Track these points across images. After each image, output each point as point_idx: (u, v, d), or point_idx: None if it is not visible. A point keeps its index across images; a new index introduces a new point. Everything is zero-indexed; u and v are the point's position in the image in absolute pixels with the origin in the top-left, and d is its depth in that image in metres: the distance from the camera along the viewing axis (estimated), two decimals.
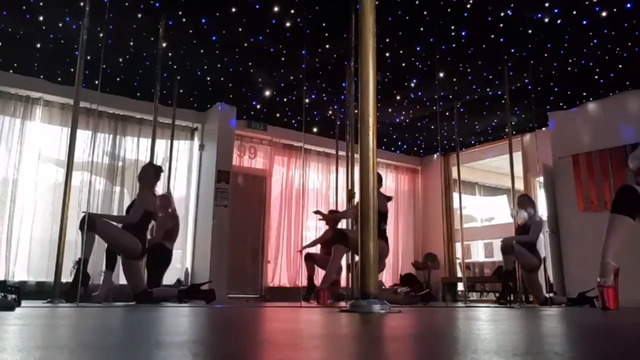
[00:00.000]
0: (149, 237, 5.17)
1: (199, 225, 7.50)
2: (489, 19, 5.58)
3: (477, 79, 6.92)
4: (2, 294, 3.00)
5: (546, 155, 7.56)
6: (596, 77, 6.70)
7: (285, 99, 7.48)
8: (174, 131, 6.83)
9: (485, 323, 2.34)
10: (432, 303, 7.72)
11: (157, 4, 5.25)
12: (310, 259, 6.73)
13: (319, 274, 6.66)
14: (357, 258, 5.05)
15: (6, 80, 6.37)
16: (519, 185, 8.05)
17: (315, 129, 8.36)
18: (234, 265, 7.35)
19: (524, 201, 6.29)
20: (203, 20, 5.57)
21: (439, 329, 1.97)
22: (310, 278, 6.72)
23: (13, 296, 3.05)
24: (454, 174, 9.02)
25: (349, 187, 5.94)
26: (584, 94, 7.30)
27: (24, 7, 5.20)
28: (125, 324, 2.15)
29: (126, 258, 4.77)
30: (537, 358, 0.99)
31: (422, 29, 5.77)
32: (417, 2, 5.32)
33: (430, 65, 6.47)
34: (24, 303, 3.35)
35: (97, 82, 4.95)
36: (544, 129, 7.91)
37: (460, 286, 8.50)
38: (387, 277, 9.36)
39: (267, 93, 7.26)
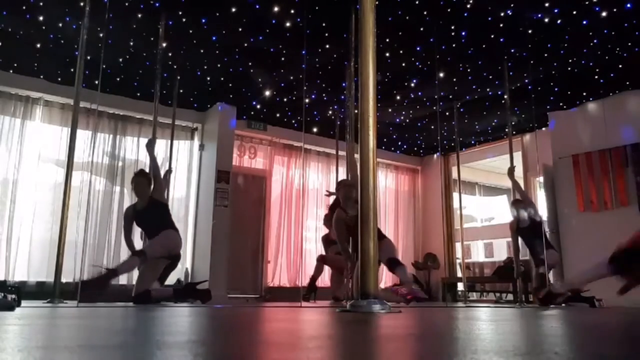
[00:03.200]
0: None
1: (199, 225, 7.50)
2: (489, 19, 5.58)
3: (477, 79, 6.92)
4: (2, 294, 3.00)
5: (546, 155, 7.55)
6: (596, 77, 6.70)
7: (285, 99, 7.47)
8: (174, 131, 6.82)
9: (485, 323, 2.34)
10: (432, 303, 7.71)
11: (157, 4, 5.25)
12: (322, 260, 6.70)
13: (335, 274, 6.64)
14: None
15: (6, 80, 6.36)
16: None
17: (315, 129, 8.35)
18: (234, 265, 7.34)
19: (519, 205, 6.24)
20: (203, 20, 5.56)
21: (439, 329, 1.97)
22: (313, 279, 6.71)
23: (13, 296, 3.05)
24: (454, 174, 9.01)
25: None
26: (584, 94, 7.29)
27: (24, 7, 5.19)
28: (126, 324, 2.15)
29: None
30: (537, 358, 0.99)
31: (422, 29, 5.77)
32: (417, 2, 5.31)
33: (430, 65, 6.46)
34: (24, 303, 3.35)
35: (97, 82, 4.95)
36: (544, 129, 7.90)
37: (460, 286, 8.50)
38: (387, 277, 9.35)
39: (267, 93, 7.25)
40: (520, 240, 6.54)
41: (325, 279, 8.32)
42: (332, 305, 5.33)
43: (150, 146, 5.33)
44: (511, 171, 6.36)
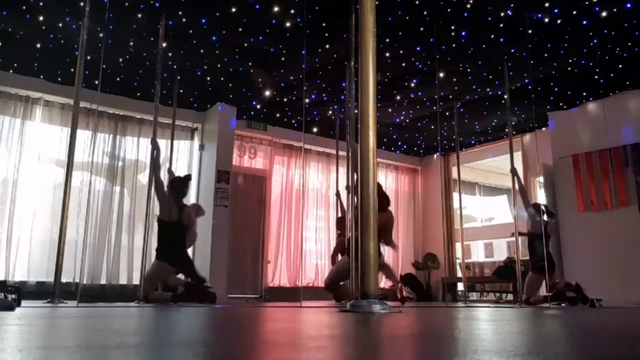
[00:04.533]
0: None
1: (199, 225, 7.47)
2: (489, 19, 5.57)
3: (477, 79, 6.91)
4: (2, 294, 3.01)
5: (546, 155, 7.55)
6: (596, 77, 6.70)
7: (285, 99, 7.47)
8: (174, 131, 6.81)
9: (485, 323, 2.34)
10: (432, 303, 7.71)
11: (157, 4, 5.25)
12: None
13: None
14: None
15: (6, 80, 6.36)
16: None
17: (315, 129, 8.35)
18: (234, 265, 7.34)
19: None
20: (203, 20, 5.56)
21: (439, 329, 1.97)
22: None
23: (13, 296, 3.06)
24: (454, 174, 9.00)
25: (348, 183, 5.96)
26: (584, 94, 7.29)
27: (24, 7, 5.19)
28: (126, 324, 2.15)
29: None
30: (537, 358, 0.99)
31: (422, 29, 5.77)
32: (417, 2, 5.31)
33: (430, 65, 6.46)
34: (24, 303, 3.35)
35: (97, 82, 4.95)
36: (544, 129, 7.90)
37: (460, 286, 8.50)
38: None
39: (267, 93, 7.25)
40: (520, 239, 6.63)
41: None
42: (332, 305, 5.33)
43: (154, 142, 5.38)
44: (514, 172, 6.42)
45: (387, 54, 6.17)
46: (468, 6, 5.35)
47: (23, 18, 5.35)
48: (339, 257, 6.78)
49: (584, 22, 5.55)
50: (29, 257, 6.27)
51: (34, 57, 6.09)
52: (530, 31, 5.70)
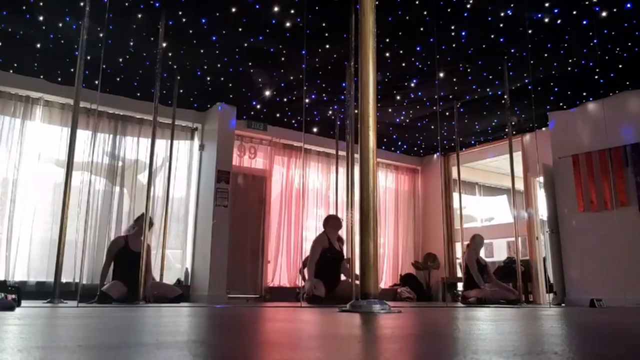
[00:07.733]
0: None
1: (199, 225, 7.50)
2: (489, 19, 5.57)
3: (477, 79, 6.91)
4: (2, 294, 3.01)
5: (546, 155, 7.55)
6: (596, 77, 6.70)
7: (285, 99, 7.47)
8: (174, 131, 6.81)
9: (485, 323, 2.34)
10: (432, 303, 7.70)
11: (157, 4, 5.25)
12: None
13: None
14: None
15: (6, 80, 6.36)
16: (519, 185, 8.05)
17: (315, 129, 8.35)
18: (234, 265, 7.34)
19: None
20: (203, 20, 5.56)
21: (439, 329, 1.97)
22: None
23: (13, 296, 3.06)
24: (454, 174, 9.01)
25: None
26: (584, 94, 7.29)
27: (24, 7, 5.19)
28: (126, 324, 2.15)
29: None
30: (537, 358, 0.99)
31: (422, 29, 5.77)
32: (417, 2, 5.31)
33: (430, 65, 6.46)
34: (24, 303, 3.35)
35: (97, 82, 4.95)
36: (544, 129, 7.90)
37: (460, 286, 8.50)
38: (387, 277, 9.36)
39: (267, 93, 7.25)
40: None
41: None
42: (332, 305, 5.33)
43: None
44: None
45: (387, 54, 6.17)
46: (468, 6, 5.35)
47: (23, 18, 5.35)
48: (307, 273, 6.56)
49: (584, 22, 5.55)
50: (29, 257, 6.27)
51: (34, 57, 6.09)
52: (530, 31, 5.69)
